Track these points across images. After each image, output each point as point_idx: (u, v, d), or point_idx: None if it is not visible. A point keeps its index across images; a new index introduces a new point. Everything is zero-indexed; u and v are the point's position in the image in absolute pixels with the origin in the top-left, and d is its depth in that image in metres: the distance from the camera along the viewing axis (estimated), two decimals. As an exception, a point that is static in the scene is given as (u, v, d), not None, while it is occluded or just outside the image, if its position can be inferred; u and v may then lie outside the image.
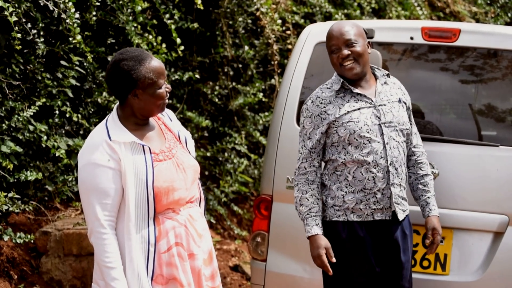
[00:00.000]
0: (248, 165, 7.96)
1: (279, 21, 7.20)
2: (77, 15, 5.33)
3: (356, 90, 4.01)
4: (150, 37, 6.08)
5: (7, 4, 4.96)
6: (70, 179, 5.71)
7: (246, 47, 7.57)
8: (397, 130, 4.02)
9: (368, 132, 3.95)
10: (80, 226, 5.50)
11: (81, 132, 6.05)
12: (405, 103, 4.14)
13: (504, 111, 4.57)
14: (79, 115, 5.83)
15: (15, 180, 5.32)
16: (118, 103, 3.50)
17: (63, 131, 5.92)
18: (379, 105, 4.01)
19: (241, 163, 7.72)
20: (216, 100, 7.56)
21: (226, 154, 7.70)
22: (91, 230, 3.34)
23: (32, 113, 5.33)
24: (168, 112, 3.67)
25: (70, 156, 5.68)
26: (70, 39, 5.46)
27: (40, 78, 5.56)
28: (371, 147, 3.95)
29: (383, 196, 3.98)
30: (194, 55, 7.42)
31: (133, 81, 3.38)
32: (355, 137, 3.94)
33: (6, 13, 4.95)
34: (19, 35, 5.07)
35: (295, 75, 4.66)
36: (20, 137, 5.39)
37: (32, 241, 5.38)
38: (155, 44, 6.07)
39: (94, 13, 5.70)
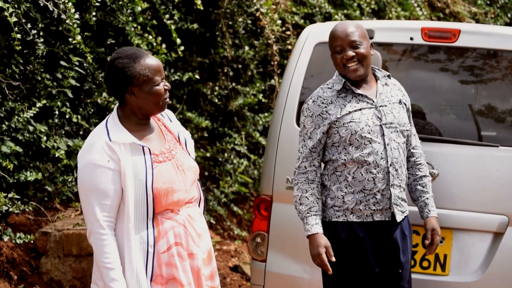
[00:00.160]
0: (248, 166, 7.96)
1: (279, 22, 7.20)
2: (77, 16, 5.32)
3: (358, 91, 4.00)
4: (150, 37, 6.08)
5: (7, 5, 4.96)
6: (70, 180, 5.71)
7: (246, 48, 7.57)
8: (397, 131, 4.02)
9: (369, 133, 3.95)
10: (80, 226, 5.50)
11: (81, 132, 6.05)
12: (405, 104, 4.14)
13: (504, 111, 4.57)
14: (79, 116, 5.83)
15: (15, 181, 5.32)
16: (117, 104, 3.51)
17: (63, 132, 5.92)
18: (380, 106, 4.01)
19: (241, 164, 7.72)
20: (216, 100, 7.56)
21: (226, 155, 7.70)
22: (90, 231, 3.34)
23: (32, 114, 5.32)
24: (168, 113, 3.67)
25: (70, 156, 5.68)
26: (70, 39, 5.46)
27: (40, 78, 5.56)
28: (372, 148, 3.95)
29: (383, 197, 3.98)
30: (194, 55, 7.42)
31: (127, 78, 3.38)
32: (356, 138, 3.94)
33: (6, 13, 4.95)
34: (19, 36, 5.07)
35: (295, 76, 4.66)
36: (20, 138, 5.39)
37: (32, 242, 5.38)
38: (155, 44, 6.07)
39: (94, 13, 5.70)
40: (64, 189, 5.75)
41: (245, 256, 7.34)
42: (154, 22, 6.27)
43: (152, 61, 3.43)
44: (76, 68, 5.72)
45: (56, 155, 5.50)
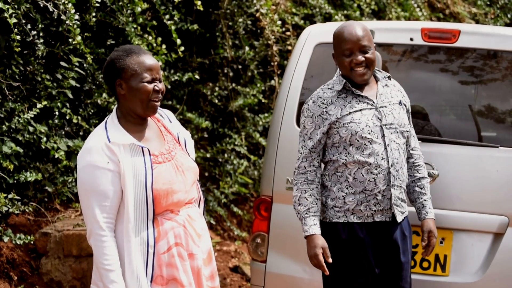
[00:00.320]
0: (248, 166, 7.96)
1: (279, 22, 7.20)
2: (76, 16, 5.33)
3: (358, 92, 4.00)
4: (150, 38, 6.08)
5: (7, 6, 4.96)
6: (70, 180, 5.71)
7: (246, 48, 7.57)
8: (397, 132, 4.02)
9: (369, 134, 3.95)
10: (80, 227, 5.50)
11: (81, 133, 6.05)
12: (405, 105, 4.14)
13: (504, 112, 4.57)
14: (79, 117, 5.83)
15: (15, 181, 5.32)
16: (117, 104, 3.51)
17: (63, 132, 5.92)
18: (380, 107, 4.01)
19: (241, 164, 7.72)
20: (216, 101, 7.57)
21: (226, 155, 7.70)
22: (90, 232, 3.34)
23: (32, 115, 5.33)
24: (167, 113, 3.66)
25: (70, 157, 5.68)
26: (70, 40, 5.46)
27: (40, 79, 5.56)
28: (372, 149, 3.95)
29: (384, 198, 3.98)
30: (194, 56, 7.42)
31: (116, 70, 3.39)
32: (357, 138, 3.94)
33: (5, 14, 4.95)
34: (18, 37, 5.07)
35: (295, 76, 4.66)
36: (20, 138, 5.38)
37: (32, 242, 5.37)
38: (155, 45, 6.07)
39: (94, 14, 5.70)
40: (64, 189, 5.75)
41: (245, 256, 7.34)
42: (154, 22, 6.27)
43: (147, 59, 3.42)
44: (76, 68, 5.72)
45: (56, 156, 5.50)
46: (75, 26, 5.31)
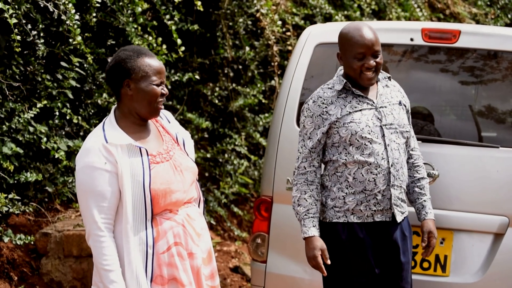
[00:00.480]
0: (248, 166, 7.96)
1: (279, 23, 7.20)
2: (77, 16, 5.33)
3: (358, 92, 4.00)
4: (150, 38, 6.08)
5: (7, 6, 4.96)
6: (70, 181, 5.71)
7: (247, 48, 7.57)
8: (397, 132, 4.02)
9: (369, 134, 3.95)
10: (80, 227, 5.50)
11: (81, 133, 6.05)
12: (405, 106, 4.14)
13: (504, 112, 4.57)
14: (79, 117, 5.83)
15: (15, 182, 5.32)
16: (116, 105, 3.50)
17: (63, 133, 5.92)
18: (380, 107, 4.01)
19: (241, 164, 7.72)
20: (216, 101, 7.57)
21: (226, 155, 7.70)
22: (89, 233, 3.34)
23: (32, 115, 5.33)
24: (166, 113, 3.66)
25: (70, 157, 5.68)
26: (70, 40, 5.46)
27: (40, 79, 5.56)
28: (372, 149, 3.95)
29: (384, 198, 3.98)
30: (194, 56, 7.42)
31: (126, 70, 3.38)
32: (357, 138, 3.94)
33: (6, 14, 4.96)
34: (19, 37, 5.07)
35: (295, 77, 4.66)
36: (20, 139, 5.39)
37: (32, 243, 5.37)
38: (155, 45, 6.07)
39: (94, 14, 5.70)
40: (65, 190, 5.75)
41: (246, 257, 7.34)
42: (155, 23, 6.27)
43: (155, 61, 3.43)
44: (77, 69, 5.72)
45: (56, 156, 5.50)
46: (75, 26, 5.31)
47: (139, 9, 5.94)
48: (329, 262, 3.93)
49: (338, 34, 4.00)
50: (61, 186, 5.73)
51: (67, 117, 5.74)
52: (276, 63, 7.21)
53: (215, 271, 3.61)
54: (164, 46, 6.10)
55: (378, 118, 3.99)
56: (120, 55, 3.42)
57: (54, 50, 5.68)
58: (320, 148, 4.02)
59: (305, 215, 3.98)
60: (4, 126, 5.27)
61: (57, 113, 5.74)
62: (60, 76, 5.70)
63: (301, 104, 4.46)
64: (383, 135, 3.98)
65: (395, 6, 9.22)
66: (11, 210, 5.18)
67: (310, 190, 4.00)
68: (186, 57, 7.29)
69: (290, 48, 7.56)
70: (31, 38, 5.29)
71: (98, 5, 5.61)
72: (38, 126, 5.46)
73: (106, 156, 3.31)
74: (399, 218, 4.02)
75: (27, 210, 5.39)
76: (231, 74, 7.81)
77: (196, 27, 6.85)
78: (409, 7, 9.32)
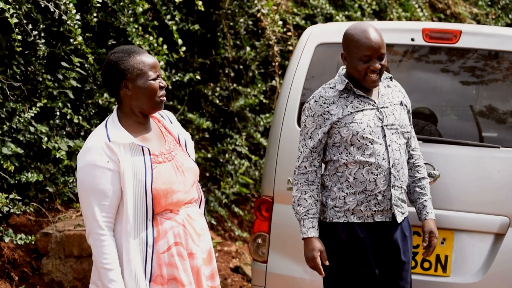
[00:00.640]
0: (249, 167, 7.97)
1: (280, 23, 7.20)
2: (78, 17, 5.33)
3: (360, 92, 4.00)
4: (151, 38, 6.08)
5: (8, 6, 4.96)
6: (71, 181, 5.71)
7: (247, 49, 7.57)
8: (398, 133, 4.02)
9: (370, 134, 3.94)
10: (81, 227, 5.50)
11: (82, 133, 6.06)
12: (406, 106, 4.14)
13: (505, 112, 4.57)
14: (80, 117, 5.83)
15: (16, 182, 5.32)
16: (117, 105, 3.51)
17: (64, 133, 5.92)
18: (382, 107, 4.01)
19: (242, 165, 7.72)
20: (217, 101, 7.57)
21: (227, 156, 7.70)
22: (89, 231, 3.34)
23: (33, 115, 5.33)
24: (168, 114, 3.66)
25: (70, 157, 5.68)
26: (71, 40, 5.46)
27: (41, 79, 5.56)
28: (373, 149, 3.95)
29: (384, 198, 3.98)
30: (195, 56, 7.42)
31: (121, 71, 3.38)
32: (358, 138, 3.94)
33: (6, 14, 4.96)
34: (19, 37, 5.07)
35: (296, 77, 4.66)
36: (21, 139, 5.39)
37: (33, 243, 5.38)
38: (156, 45, 6.07)
39: (95, 14, 5.70)
40: (65, 190, 5.75)
41: (246, 257, 7.34)
42: (155, 23, 6.27)
43: (147, 57, 3.43)
44: (77, 69, 5.72)
45: (57, 156, 5.50)
46: (76, 26, 5.31)
47: (140, 9, 5.94)
48: (327, 263, 3.94)
49: (343, 34, 3.97)
50: (62, 186, 5.73)
51: (68, 117, 5.74)
52: (277, 63, 7.21)
53: (215, 271, 3.61)
54: (165, 46, 6.10)
55: (379, 118, 3.98)
56: (112, 58, 3.42)
57: (55, 50, 5.68)
58: (321, 148, 4.02)
59: (305, 215, 3.98)
60: (4, 126, 5.27)
61: (57, 113, 5.74)
62: (60, 76, 5.71)
63: (302, 104, 4.45)
64: (384, 136, 3.97)
65: (396, 6, 9.21)
66: (12, 210, 5.18)
67: (311, 190, 4.00)
68: (187, 57, 7.29)
69: (291, 48, 7.55)
70: (32, 38, 5.29)
71: (99, 5, 5.61)
72: (39, 126, 5.47)
73: (109, 154, 3.31)
74: (399, 219, 4.02)
75: (27, 210, 5.39)
76: (232, 74, 7.81)
77: (197, 27, 6.85)
78: (410, 7, 9.32)
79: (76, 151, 5.67)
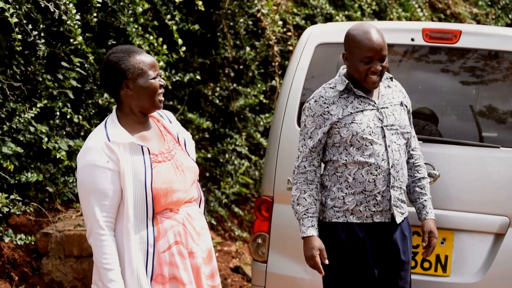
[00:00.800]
0: (249, 167, 7.97)
1: (280, 23, 7.20)
2: (78, 17, 5.33)
3: (360, 92, 4.00)
4: (151, 38, 6.08)
5: (8, 6, 4.96)
6: (71, 181, 5.71)
7: (247, 49, 7.57)
8: (398, 133, 4.01)
9: (370, 134, 3.94)
10: (81, 227, 5.50)
11: (82, 133, 6.06)
12: (406, 106, 4.14)
13: (505, 112, 4.57)
14: (80, 117, 5.83)
15: (16, 182, 5.32)
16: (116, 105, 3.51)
17: (64, 133, 5.92)
18: (382, 108, 4.01)
19: (242, 165, 7.72)
20: (217, 101, 7.57)
21: (227, 156, 7.70)
22: (89, 231, 3.34)
23: (33, 115, 5.33)
24: (167, 114, 3.67)
25: (70, 157, 5.69)
26: (71, 40, 5.46)
27: (41, 79, 5.56)
28: (373, 149, 3.94)
29: (383, 199, 3.98)
30: (195, 56, 7.42)
31: (122, 71, 3.38)
32: (357, 139, 3.94)
33: (6, 14, 4.96)
34: (19, 37, 5.07)
35: (296, 77, 4.66)
36: (21, 139, 5.39)
37: (33, 243, 5.38)
38: (156, 45, 6.07)
39: (95, 14, 5.70)
40: (65, 190, 5.75)
41: (246, 257, 7.34)
42: (155, 23, 6.27)
43: (146, 56, 3.44)
44: (77, 69, 5.72)
45: (57, 156, 5.51)
46: (76, 26, 5.32)
47: (140, 9, 5.95)
48: (327, 262, 3.93)
49: (345, 34, 3.96)
50: (62, 186, 5.73)
51: (68, 117, 5.74)
52: (277, 63, 7.21)
53: (215, 270, 3.61)
54: (165, 46, 6.10)
55: (379, 119, 3.98)
56: (111, 59, 3.42)
57: (54, 50, 5.68)
58: (321, 148, 4.02)
59: (304, 214, 3.98)
60: (5, 126, 5.27)
61: (58, 113, 5.74)
62: (61, 76, 5.71)
63: (302, 104, 4.45)
64: (384, 136, 3.97)
65: (395, 6, 9.21)
66: (12, 210, 5.18)
67: (310, 189, 4.00)
68: (187, 57, 7.30)
69: (291, 48, 7.55)
70: (32, 38, 5.29)
71: (99, 5, 5.61)
72: (39, 126, 5.47)
73: (109, 154, 3.32)
74: (398, 219, 4.02)
75: (27, 210, 5.39)
76: (232, 74, 7.82)
77: (197, 27, 6.85)
78: (410, 7, 9.32)
79: (76, 151, 5.67)
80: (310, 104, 4.02)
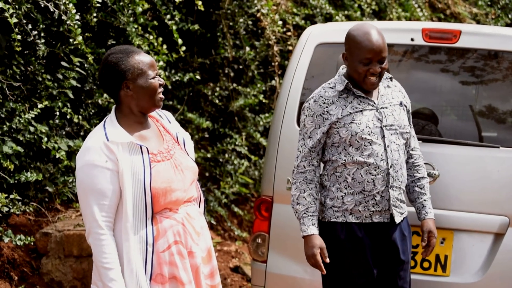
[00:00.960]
0: (248, 166, 7.97)
1: (280, 22, 7.20)
2: (77, 16, 5.33)
3: (359, 92, 4.00)
4: (151, 38, 6.08)
5: (8, 6, 4.96)
6: (70, 180, 5.71)
7: (247, 48, 7.57)
8: (397, 133, 4.01)
9: (369, 135, 3.94)
10: (81, 227, 5.50)
11: (81, 133, 6.06)
12: (406, 106, 4.13)
13: (504, 112, 4.58)
14: (80, 116, 5.83)
15: (16, 181, 5.32)
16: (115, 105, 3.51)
17: (64, 132, 5.92)
18: (381, 108, 4.00)
19: (241, 164, 7.73)
20: (217, 101, 7.57)
21: (226, 155, 7.70)
22: (89, 231, 3.34)
23: (33, 115, 5.33)
24: (166, 114, 3.67)
25: (70, 157, 5.69)
26: (71, 40, 5.47)
27: (40, 79, 5.56)
28: (372, 149, 3.94)
29: (382, 199, 3.98)
30: (194, 56, 7.42)
31: (121, 72, 3.38)
32: (356, 139, 3.94)
33: (6, 14, 4.96)
34: (19, 37, 5.07)
35: (295, 77, 4.66)
36: (21, 138, 5.39)
37: (32, 243, 5.38)
38: (156, 45, 6.07)
39: (94, 14, 5.70)
40: (65, 189, 5.75)
41: (246, 256, 7.34)
42: (155, 23, 6.28)
43: (145, 56, 3.45)
44: (77, 69, 5.72)
45: (57, 156, 5.50)
46: (76, 26, 5.32)
47: (140, 9, 5.95)
48: (328, 260, 3.93)
49: (346, 34, 3.96)
50: (62, 186, 5.74)
51: (68, 117, 5.74)
52: (276, 63, 7.21)
53: (215, 270, 3.61)
54: (165, 46, 6.11)
55: (378, 119, 3.98)
56: (111, 60, 3.41)
57: (54, 50, 5.68)
58: (320, 148, 4.02)
59: (304, 213, 3.98)
60: (4, 126, 5.27)
61: (57, 113, 5.74)
62: (60, 76, 5.71)
63: (301, 104, 4.45)
64: (383, 136, 3.97)
65: (395, 6, 9.22)
66: (11, 210, 5.18)
67: (309, 189, 4.00)
68: (187, 57, 7.30)
69: (290, 48, 7.56)
70: (32, 38, 5.29)
71: (98, 5, 5.61)
72: (39, 126, 5.47)
73: (108, 154, 3.32)
74: (397, 219, 4.02)
75: (27, 210, 5.39)
76: (232, 74, 7.82)
77: (196, 27, 6.85)
78: (410, 7, 9.32)
79: (76, 151, 5.67)
80: (309, 104, 4.02)
